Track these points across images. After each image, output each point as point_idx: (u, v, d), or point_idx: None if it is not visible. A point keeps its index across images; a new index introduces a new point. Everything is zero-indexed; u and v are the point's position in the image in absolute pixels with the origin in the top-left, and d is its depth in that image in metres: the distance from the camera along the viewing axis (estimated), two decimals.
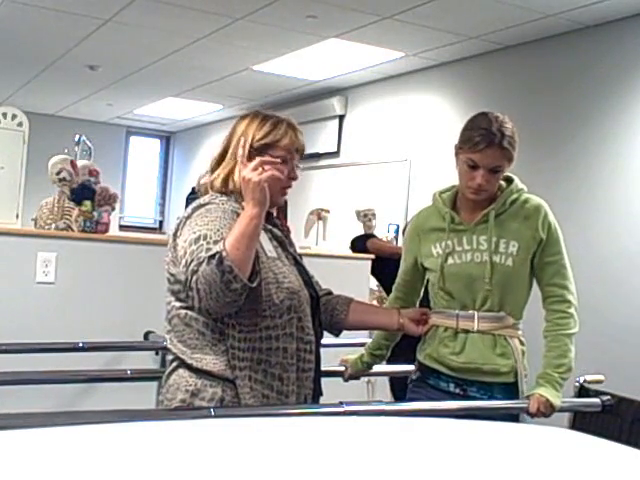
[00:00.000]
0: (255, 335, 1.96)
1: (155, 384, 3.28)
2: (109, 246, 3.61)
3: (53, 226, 3.63)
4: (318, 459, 0.89)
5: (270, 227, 2.09)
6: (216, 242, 1.86)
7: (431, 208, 2.46)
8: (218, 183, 2.10)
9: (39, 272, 3.37)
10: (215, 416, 1.89)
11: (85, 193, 3.67)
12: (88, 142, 4.06)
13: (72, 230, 3.62)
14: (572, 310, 2.32)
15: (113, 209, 3.79)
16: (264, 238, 2.02)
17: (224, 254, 1.78)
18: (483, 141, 2.22)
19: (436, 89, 6.25)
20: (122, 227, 9.80)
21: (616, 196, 4.64)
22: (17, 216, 5.52)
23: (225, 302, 1.81)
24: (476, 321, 2.30)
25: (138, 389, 2.91)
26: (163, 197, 10.95)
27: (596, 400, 2.49)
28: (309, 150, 7.89)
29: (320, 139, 7.48)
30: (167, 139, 10.98)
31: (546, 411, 2.26)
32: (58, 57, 6.74)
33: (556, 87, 5.14)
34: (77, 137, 4.11)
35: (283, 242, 2.14)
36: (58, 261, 3.41)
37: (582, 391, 2.63)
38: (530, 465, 0.95)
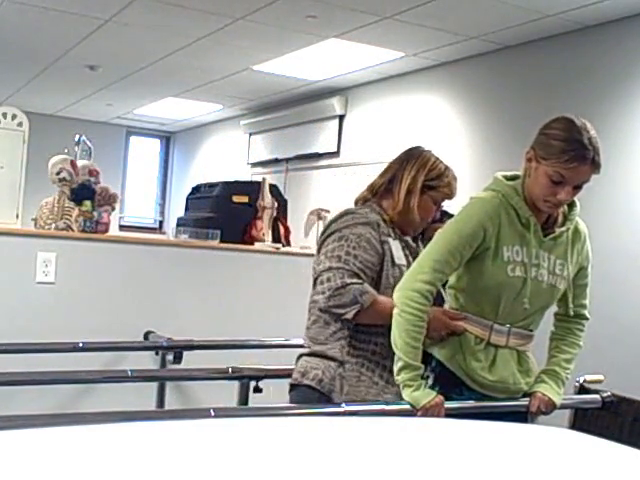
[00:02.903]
0: (371, 330, 2.32)
1: (155, 384, 3.28)
2: (109, 246, 3.61)
3: (53, 226, 3.64)
4: (318, 459, 0.89)
5: (407, 239, 2.47)
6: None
7: (500, 198, 2.17)
8: (399, 207, 2.42)
9: (39, 272, 3.37)
10: (215, 416, 1.89)
11: (85, 193, 3.67)
12: (88, 142, 4.06)
13: (72, 230, 3.62)
14: (586, 325, 2.36)
15: (113, 209, 3.79)
16: (397, 246, 2.39)
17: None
18: (577, 158, 2.04)
19: (436, 89, 6.25)
20: (122, 227, 9.78)
21: (616, 196, 4.64)
22: (17, 216, 5.51)
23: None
24: (509, 337, 2.21)
25: (138, 389, 2.91)
26: (163, 197, 10.94)
27: (596, 396, 2.50)
28: (309, 150, 7.90)
29: (320, 139, 7.47)
30: (167, 139, 10.97)
31: (547, 410, 2.25)
32: (58, 57, 6.74)
33: (556, 87, 5.14)
34: (77, 137, 4.11)
35: (415, 252, 2.41)
36: (58, 261, 3.40)
37: (582, 391, 2.63)
38: (530, 465, 0.95)
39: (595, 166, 2.07)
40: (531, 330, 2.26)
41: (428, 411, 2.08)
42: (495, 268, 2.14)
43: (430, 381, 2.23)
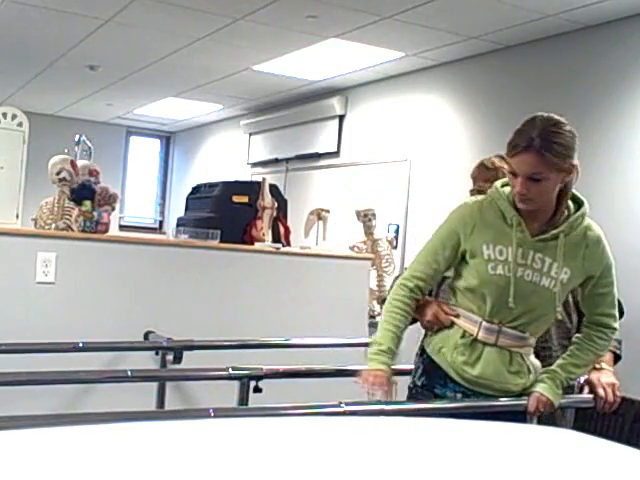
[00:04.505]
0: None
1: (155, 384, 3.28)
2: (109, 246, 3.61)
3: (53, 226, 3.63)
4: (318, 459, 0.89)
5: None
6: None
7: (488, 201, 2.23)
8: None
9: (39, 272, 3.37)
10: (215, 416, 1.89)
11: (85, 193, 3.67)
12: (88, 142, 4.06)
13: (72, 230, 3.62)
14: (612, 336, 2.32)
15: (113, 209, 3.79)
16: None
17: None
18: (518, 145, 2.09)
19: (436, 89, 6.25)
20: (122, 227, 9.78)
21: (616, 195, 4.64)
22: (17, 216, 5.52)
23: None
24: (498, 336, 2.21)
25: (138, 389, 2.91)
26: (163, 197, 10.94)
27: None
28: (309, 150, 7.88)
29: (320, 139, 7.47)
30: (167, 139, 10.97)
31: (545, 410, 2.25)
32: (58, 57, 6.74)
33: (556, 87, 5.14)
34: (77, 137, 4.11)
35: None
36: (58, 261, 3.40)
37: (582, 391, 2.63)
38: (531, 464, 0.95)
39: (542, 157, 2.06)
40: (524, 332, 2.23)
41: (364, 377, 2.17)
42: (475, 266, 2.21)
43: (420, 371, 2.34)
